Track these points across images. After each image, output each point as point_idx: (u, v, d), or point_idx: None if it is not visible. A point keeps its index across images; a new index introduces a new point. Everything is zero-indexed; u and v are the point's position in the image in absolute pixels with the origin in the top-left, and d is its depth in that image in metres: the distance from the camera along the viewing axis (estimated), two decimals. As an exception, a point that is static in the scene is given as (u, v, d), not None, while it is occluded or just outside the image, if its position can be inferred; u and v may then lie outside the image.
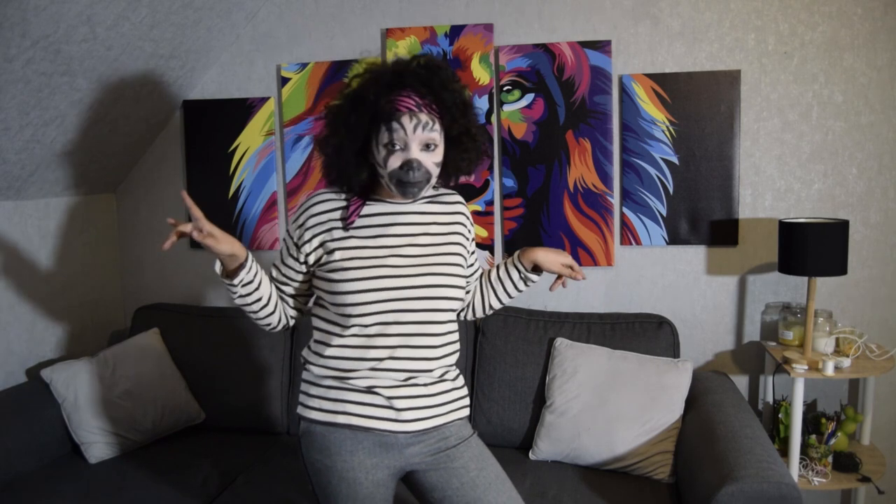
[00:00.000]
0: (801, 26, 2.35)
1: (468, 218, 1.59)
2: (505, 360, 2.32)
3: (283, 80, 2.67)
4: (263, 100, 2.70)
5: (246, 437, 2.42)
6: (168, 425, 2.37)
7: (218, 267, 1.42)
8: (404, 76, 1.35)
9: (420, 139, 1.35)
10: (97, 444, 2.21)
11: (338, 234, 1.44)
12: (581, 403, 2.12)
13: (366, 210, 1.46)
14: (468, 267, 1.62)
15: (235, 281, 1.41)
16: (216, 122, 2.74)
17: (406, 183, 1.36)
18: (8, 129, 2.09)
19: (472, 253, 1.63)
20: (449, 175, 1.49)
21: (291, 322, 1.58)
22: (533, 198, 2.54)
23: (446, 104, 1.37)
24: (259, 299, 1.47)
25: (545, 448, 2.14)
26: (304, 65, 2.64)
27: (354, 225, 1.44)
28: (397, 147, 1.35)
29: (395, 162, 1.36)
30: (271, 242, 2.75)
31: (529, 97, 2.51)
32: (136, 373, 2.35)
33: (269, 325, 1.53)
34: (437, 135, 1.38)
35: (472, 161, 1.49)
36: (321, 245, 1.45)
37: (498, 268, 1.67)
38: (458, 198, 1.59)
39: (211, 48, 2.63)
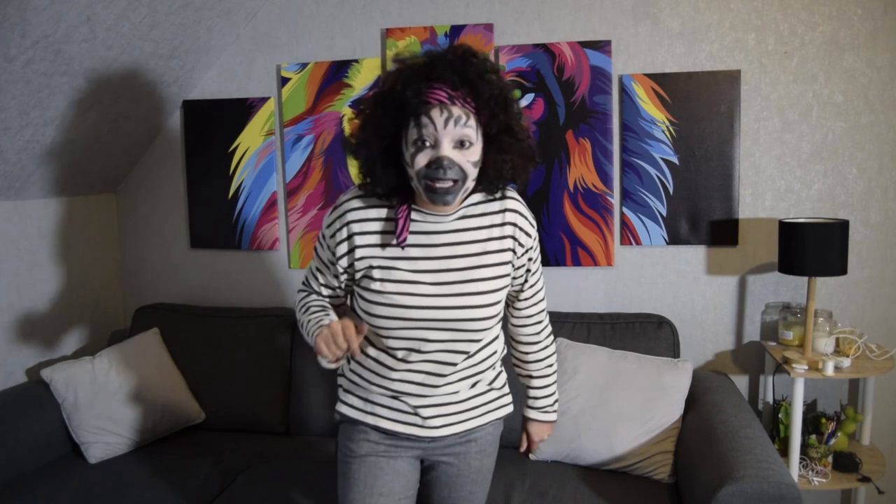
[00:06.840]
0: (801, 26, 2.35)
1: (520, 228, 1.36)
2: (505, 359, 2.31)
3: (283, 80, 2.67)
4: (263, 100, 2.70)
5: (246, 437, 2.42)
6: (168, 425, 2.37)
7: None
8: (435, 66, 1.21)
9: (452, 135, 1.20)
10: (97, 444, 2.21)
11: (378, 250, 1.32)
12: (581, 403, 2.12)
13: (411, 227, 1.32)
14: (519, 285, 1.44)
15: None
16: (216, 122, 2.74)
17: (435, 185, 1.21)
18: (8, 129, 2.09)
19: (529, 270, 1.42)
20: (491, 182, 1.31)
21: None
22: (533, 198, 2.53)
23: (483, 96, 1.22)
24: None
25: (545, 448, 2.14)
26: (304, 65, 2.64)
27: (394, 243, 1.31)
28: (427, 144, 1.21)
29: (422, 160, 1.21)
30: (271, 242, 2.75)
31: (529, 97, 2.50)
32: (136, 373, 2.35)
33: None
34: (472, 131, 1.22)
35: (517, 165, 1.30)
36: (361, 258, 1.33)
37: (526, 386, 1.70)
38: (510, 203, 1.36)
39: (211, 48, 2.62)
